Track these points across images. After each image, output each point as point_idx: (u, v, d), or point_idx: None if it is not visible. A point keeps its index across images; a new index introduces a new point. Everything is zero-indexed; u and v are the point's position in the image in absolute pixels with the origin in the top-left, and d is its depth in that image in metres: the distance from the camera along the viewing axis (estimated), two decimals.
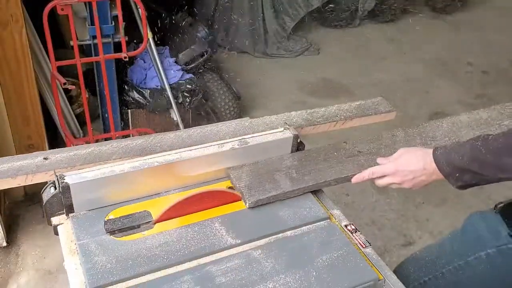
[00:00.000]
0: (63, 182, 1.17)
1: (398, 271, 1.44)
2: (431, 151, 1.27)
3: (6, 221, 2.54)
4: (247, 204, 1.28)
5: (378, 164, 1.39)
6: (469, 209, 2.90)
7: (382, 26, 5.42)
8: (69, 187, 1.18)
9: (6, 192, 2.66)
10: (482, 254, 1.28)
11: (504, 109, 1.66)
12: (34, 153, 1.29)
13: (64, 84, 2.58)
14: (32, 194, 2.70)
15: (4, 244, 2.48)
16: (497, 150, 1.12)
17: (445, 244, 1.40)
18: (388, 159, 1.38)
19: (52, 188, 1.19)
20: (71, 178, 1.19)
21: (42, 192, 1.20)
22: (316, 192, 1.39)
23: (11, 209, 2.70)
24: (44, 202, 1.18)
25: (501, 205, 1.29)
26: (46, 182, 1.24)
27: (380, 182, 1.36)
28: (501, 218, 1.28)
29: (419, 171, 1.28)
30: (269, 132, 1.46)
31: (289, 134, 1.46)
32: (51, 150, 1.32)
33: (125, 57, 2.78)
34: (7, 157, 1.28)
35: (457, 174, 1.20)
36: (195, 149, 1.35)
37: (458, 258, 1.33)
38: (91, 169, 1.23)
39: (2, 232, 2.44)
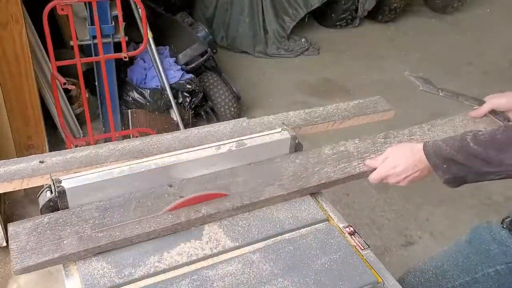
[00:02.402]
0: (59, 186, 1.17)
1: (400, 284, 1.43)
2: (419, 145, 1.28)
3: (6, 221, 2.54)
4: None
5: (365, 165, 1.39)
6: (469, 209, 2.94)
7: (382, 26, 5.42)
8: (65, 192, 1.17)
9: (5, 192, 2.66)
10: (490, 271, 1.27)
11: None
12: (30, 156, 1.29)
13: (64, 84, 2.58)
14: (32, 194, 2.70)
15: (4, 244, 2.48)
16: (483, 142, 1.14)
17: (450, 257, 1.38)
18: (376, 160, 1.37)
19: (48, 192, 1.18)
20: (67, 182, 1.18)
21: (38, 196, 1.19)
22: (315, 194, 1.38)
23: (11, 209, 2.70)
24: (41, 207, 1.18)
25: (509, 219, 1.28)
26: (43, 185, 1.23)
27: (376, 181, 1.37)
28: (509, 233, 1.26)
29: (410, 169, 1.28)
30: (267, 133, 1.45)
31: (287, 135, 1.45)
32: (47, 153, 1.32)
33: (125, 57, 2.78)
34: (2, 160, 1.28)
35: (445, 166, 1.20)
36: (192, 151, 1.34)
37: (465, 274, 1.31)
38: (87, 172, 1.23)
39: (2, 232, 2.44)
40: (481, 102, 1.55)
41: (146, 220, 1.18)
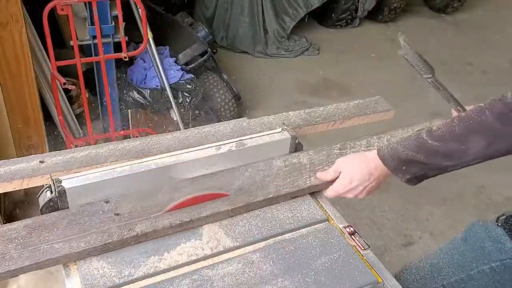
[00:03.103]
0: (59, 186, 1.17)
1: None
2: (372, 153, 1.26)
3: (6, 221, 2.54)
4: None
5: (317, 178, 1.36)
6: (469, 209, 2.94)
7: (382, 26, 5.42)
8: (65, 191, 1.17)
9: (6, 192, 2.66)
10: (485, 268, 1.27)
11: None
12: (30, 156, 1.29)
13: (64, 84, 2.58)
14: (31, 194, 2.70)
15: None
16: (441, 137, 1.13)
17: (446, 255, 1.38)
18: (327, 172, 1.34)
19: (48, 192, 1.18)
20: (67, 182, 1.19)
21: (38, 196, 1.19)
22: (314, 194, 1.38)
23: (11, 209, 2.70)
24: (41, 207, 1.18)
25: (503, 217, 1.28)
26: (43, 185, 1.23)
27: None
28: (504, 231, 1.27)
29: (366, 179, 1.27)
30: (267, 133, 1.46)
31: (287, 135, 1.45)
32: (47, 153, 1.32)
33: (125, 57, 2.78)
34: (2, 160, 1.28)
35: (404, 167, 1.19)
36: (192, 151, 1.34)
37: (460, 270, 1.31)
38: (87, 172, 1.23)
39: None
40: (462, 109, 1.40)
41: (76, 239, 1.11)
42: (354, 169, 1.28)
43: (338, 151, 1.47)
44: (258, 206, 1.29)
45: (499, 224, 1.28)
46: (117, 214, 1.19)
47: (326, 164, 1.40)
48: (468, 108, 1.35)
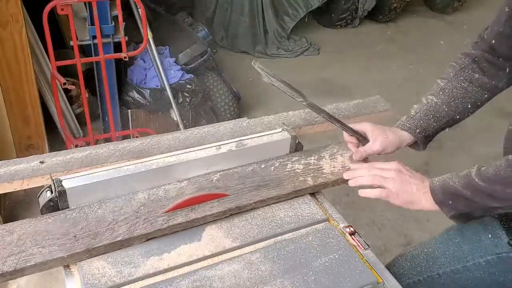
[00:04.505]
0: (59, 186, 1.17)
1: (390, 269, 1.43)
2: (426, 181, 1.25)
3: (6, 221, 2.54)
4: None
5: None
6: None
7: (382, 26, 5.42)
8: (65, 191, 1.17)
9: (5, 192, 2.66)
10: (481, 261, 1.28)
11: None
12: (30, 156, 1.29)
13: (64, 84, 2.58)
14: (31, 194, 2.70)
15: None
16: (488, 178, 1.14)
17: (441, 245, 1.38)
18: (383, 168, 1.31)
19: (49, 192, 1.18)
20: (67, 182, 1.18)
21: (38, 197, 1.19)
22: (314, 193, 1.38)
23: (11, 209, 2.70)
24: (41, 207, 1.18)
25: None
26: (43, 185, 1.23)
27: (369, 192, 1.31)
28: (500, 224, 1.27)
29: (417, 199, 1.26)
30: (267, 133, 1.46)
31: (287, 135, 1.45)
32: (47, 153, 1.32)
33: (125, 57, 2.78)
34: (2, 161, 1.28)
35: (450, 202, 1.19)
36: (193, 151, 1.34)
37: (456, 261, 1.32)
38: (87, 172, 1.23)
39: None
40: (346, 127, 1.39)
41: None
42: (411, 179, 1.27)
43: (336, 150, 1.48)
44: (258, 206, 1.29)
45: (496, 217, 1.29)
46: (117, 214, 1.19)
47: (327, 164, 1.40)
48: (354, 125, 1.39)
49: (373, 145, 1.37)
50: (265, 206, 1.30)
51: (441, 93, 1.43)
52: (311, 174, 1.39)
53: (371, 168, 1.32)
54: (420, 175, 1.29)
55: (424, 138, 1.41)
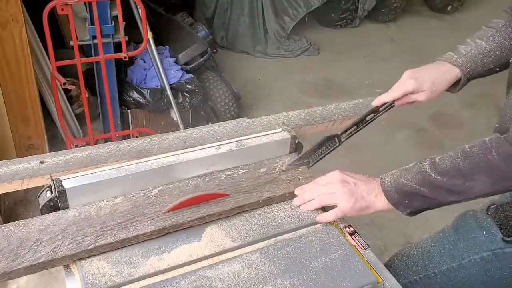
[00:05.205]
0: (59, 186, 1.17)
1: (387, 269, 1.43)
2: (374, 181, 1.22)
3: (6, 221, 2.54)
4: None
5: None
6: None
7: (382, 26, 5.42)
8: (65, 191, 1.17)
9: (5, 192, 2.67)
10: (476, 258, 1.28)
11: None
12: (30, 156, 1.29)
13: (64, 84, 2.58)
14: (31, 194, 2.70)
15: None
16: (446, 172, 1.10)
17: (436, 243, 1.38)
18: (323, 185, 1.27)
19: (49, 192, 1.18)
20: (67, 182, 1.18)
21: (38, 196, 1.19)
22: None
23: (11, 209, 2.70)
24: (41, 207, 1.18)
25: (494, 206, 1.28)
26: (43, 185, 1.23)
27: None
28: (494, 221, 1.27)
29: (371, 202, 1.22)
30: (267, 133, 1.46)
31: (287, 135, 1.45)
32: (47, 153, 1.32)
33: (125, 57, 2.79)
34: (2, 161, 1.27)
35: (407, 201, 1.16)
36: (193, 151, 1.34)
37: (452, 259, 1.32)
38: (87, 172, 1.23)
39: None
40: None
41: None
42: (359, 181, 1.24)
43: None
44: (258, 206, 1.29)
45: (489, 213, 1.28)
46: (117, 214, 1.19)
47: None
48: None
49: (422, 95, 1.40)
50: (265, 206, 1.30)
51: (491, 38, 1.40)
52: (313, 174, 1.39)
53: (316, 187, 1.28)
54: (364, 177, 1.25)
55: (467, 80, 1.38)
